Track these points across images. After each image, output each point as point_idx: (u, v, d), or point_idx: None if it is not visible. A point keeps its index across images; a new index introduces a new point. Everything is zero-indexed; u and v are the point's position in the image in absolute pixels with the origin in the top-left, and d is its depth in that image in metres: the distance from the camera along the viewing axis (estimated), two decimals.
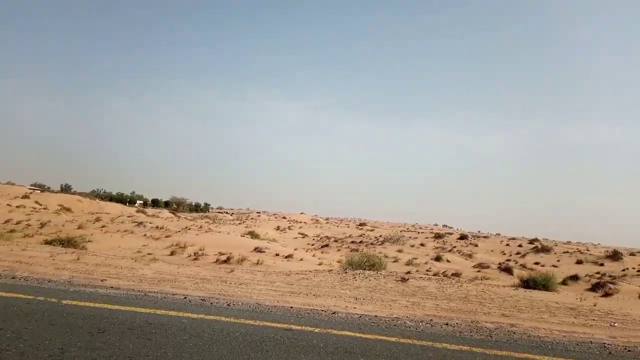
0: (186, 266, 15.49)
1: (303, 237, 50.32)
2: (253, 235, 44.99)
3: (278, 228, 60.72)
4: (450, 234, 68.55)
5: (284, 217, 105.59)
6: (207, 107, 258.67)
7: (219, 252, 26.10)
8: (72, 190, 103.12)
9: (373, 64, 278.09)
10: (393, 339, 5.49)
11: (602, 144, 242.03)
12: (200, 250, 27.86)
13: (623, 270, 47.88)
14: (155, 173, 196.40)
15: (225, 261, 23.18)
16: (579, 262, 50.99)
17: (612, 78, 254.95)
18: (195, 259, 23.40)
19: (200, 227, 45.98)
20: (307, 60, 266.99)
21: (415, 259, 37.87)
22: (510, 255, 53.81)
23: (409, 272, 19.14)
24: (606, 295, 15.18)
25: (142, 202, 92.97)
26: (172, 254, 23.97)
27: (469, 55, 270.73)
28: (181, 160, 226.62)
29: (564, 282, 33.41)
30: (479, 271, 34.93)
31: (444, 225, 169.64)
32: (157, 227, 34.05)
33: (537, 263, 47.50)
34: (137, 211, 70.62)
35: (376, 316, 7.03)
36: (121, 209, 59.83)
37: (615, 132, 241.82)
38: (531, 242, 61.70)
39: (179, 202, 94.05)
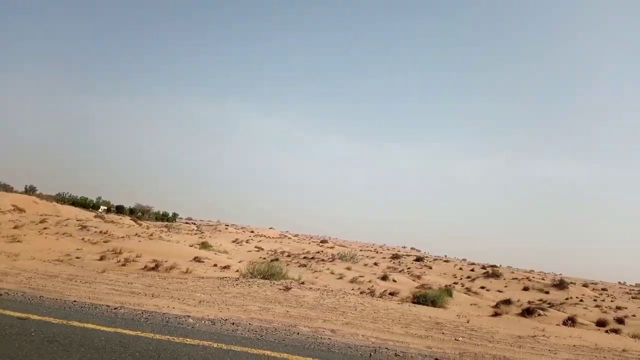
0: (102, 272, 15.71)
1: (258, 251, 50.44)
2: (204, 246, 44.95)
3: (236, 241, 60.67)
4: (409, 255, 69.64)
5: (252, 231, 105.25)
6: (188, 116, 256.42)
7: (154, 260, 26.13)
8: (37, 192, 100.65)
9: (344, 91, 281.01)
10: (179, 340, 5.97)
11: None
12: (137, 256, 27.86)
13: (566, 298, 49.58)
14: (147, 184, 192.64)
15: (153, 268, 23.23)
16: (526, 288, 52.58)
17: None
18: (123, 265, 23.39)
19: (152, 234, 45.69)
20: (297, 76, 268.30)
21: (362, 276, 38.43)
22: (461, 278, 55.04)
23: (326, 285, 19.71)
24: (496, 315, 15.98)
25: (105, 208, 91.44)
26: (101, 258, 23.91)
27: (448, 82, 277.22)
28: (164, 170, 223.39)
29: (496, 306, 34.59)
30: (418, 289, 35.71)
31: (412, 248, 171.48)
32: (100, 231, 33.81)
33: (482, 287, 48.83)
34: (96, 216, 69.36)
35: (201, 318, 7.55)
36: (76, 213, 58.78)
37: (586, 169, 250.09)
38: (484, 267, 63.22)
39: (144, 210, 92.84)
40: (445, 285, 39.77)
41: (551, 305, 41.81)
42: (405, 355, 6.89)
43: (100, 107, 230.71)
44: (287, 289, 11.83)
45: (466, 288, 46.33)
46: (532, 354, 9.58)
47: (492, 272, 58.23)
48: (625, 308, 46.83)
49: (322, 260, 44.33)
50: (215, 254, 37.65)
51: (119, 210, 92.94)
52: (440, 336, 9.80)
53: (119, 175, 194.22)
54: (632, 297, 67.92)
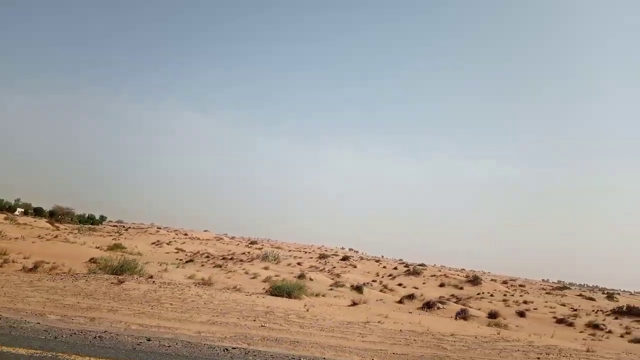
0: None
1: (177, 252, 49.35)
2: (116, 247, 43.40)
3: (156, 242, 58.93)
4: (337, 255, 70.85)
5: (185, 234, 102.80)
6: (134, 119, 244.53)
7: (38, 261, 25.00)
8: None
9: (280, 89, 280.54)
10: None
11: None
12: (25, 258, 26.87)
13: (477, 294, 52.41)
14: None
15: (32, 269, 22.24)
16: (442, 285, 55.07)
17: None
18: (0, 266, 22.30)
19: (56, 236, 43.51)
20: (228, 76, 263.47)
21: (277, 275, 38.55)
22: (382, 276, 56.75)
23: (233, 285, 19.73)
24: (354, 305, 16.73)
25: (22, 210, 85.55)
26: None
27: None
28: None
29: (400, 301, 36.09)
30: (331, 289, 36.36)
31: (351, 249, 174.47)
32: None
33: (400, 284, 50.62)
34: (6, 218, 65.17)
35: None
36: None
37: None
38: (407, 266, 65.62)
39: (64, 212, 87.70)
40: (359, 284, 40.86)
41: (458, 299, 44.19)
42: (174, 339, 7.08)
43: (29, 106, 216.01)
44: (120, 282, 11.74)
45: (383, 285, 47.85)
46: (335, 337, 10.09)
47: (413, 271, 60.53)
48: (532, 302, 50.33)
49: (241, 260, 44.12)
50: (122, 255, 36.51)
51: (37, 212, 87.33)
52: (250, 323, 10.07)
53: (51, 177, 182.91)
54: (546, 293, 73.39)
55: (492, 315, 30.22)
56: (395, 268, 62.98)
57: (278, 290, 14.34)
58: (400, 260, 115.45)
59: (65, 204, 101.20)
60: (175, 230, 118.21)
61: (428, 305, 33.32)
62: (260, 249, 68.56)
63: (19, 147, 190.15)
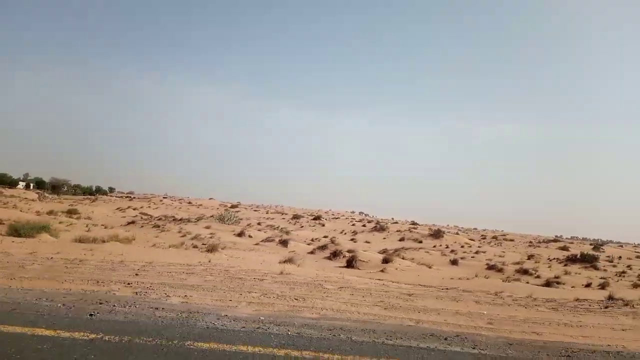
0: None
1: (135, 217, 51.79)
2: (72, 212, 45.79)
3: (122, 208, 61.75)
4: (311, 215, 72.14)
5: (189, 203, 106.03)
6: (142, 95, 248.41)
7: None
8: None
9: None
10: None
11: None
12: None
13: (433, 246, 52.83)
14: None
15: None
16: (402, 239, 55.78)
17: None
18: None
19: (6, 203, 46.22)
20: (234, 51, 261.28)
21: (212, 235, 39.72)
22: (346, 233, 57.86)
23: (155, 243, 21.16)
24: (210, 251, 18.16)
25: (24, 183, 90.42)
26: None
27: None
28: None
29: (312, 252, 37.12)
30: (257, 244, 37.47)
31: (361, 212, 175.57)
32: None
33: (367, 241, 51.42)
34: None
35: None
36: None
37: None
38: (377, 223, 66.33)
39: (60, 184, 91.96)
40: (287, 239, 41.93)
41: (397, 250, 44.70)
42: None
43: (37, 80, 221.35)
44: None
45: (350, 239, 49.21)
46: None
47: (380, 227, 61.25)
48: (484, 252, 50.57)
49: (189, 221, 45.84)
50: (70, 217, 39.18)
51: (40, 186, 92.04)
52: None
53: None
54: (529, 246, 72.85)
55: (385, 260, 30.53)
56: (364, 225, 63.89)
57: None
58: (412, 222, 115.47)
59: (78, 179, 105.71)
60: (180, 199, 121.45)
61: (334, 255, 33.93)
62: (238, 211, 70.50)
63: (39, 124, 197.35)
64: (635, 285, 27.87)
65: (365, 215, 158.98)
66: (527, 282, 25.90)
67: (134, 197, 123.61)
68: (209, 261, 14.44)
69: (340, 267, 27.15)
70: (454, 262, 38.05)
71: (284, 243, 37.59)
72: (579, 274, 36.68)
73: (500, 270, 31.46)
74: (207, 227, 43.32)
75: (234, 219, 52.24)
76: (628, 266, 45.33)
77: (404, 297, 10.29)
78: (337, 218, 78.60)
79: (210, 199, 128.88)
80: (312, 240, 46.31)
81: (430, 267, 27.56)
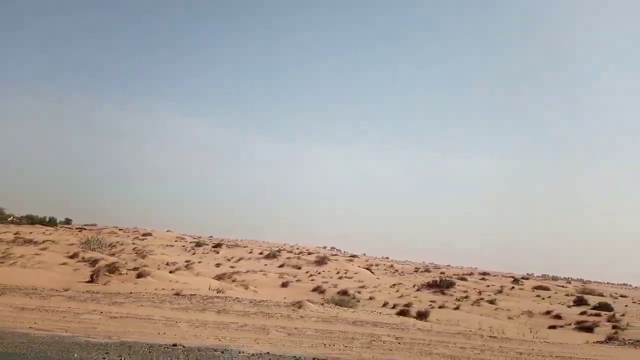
0: None
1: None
2: None
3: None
4: (213, 243, 75.45)
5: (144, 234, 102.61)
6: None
7: None
8: None
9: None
10: None
11: None
12: None
13: (317, 272, 57.24)
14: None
15: None
16: (281, 265, 60.23)
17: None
18: None
19: None
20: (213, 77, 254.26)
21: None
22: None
23: None
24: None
25: None
26: None
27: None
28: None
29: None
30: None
31: (332, 248, 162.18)
32: None
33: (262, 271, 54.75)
34: None
35: None
36: None
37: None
38: (270, 251, 70.79)
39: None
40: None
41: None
42: None
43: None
44: None
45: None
46: None
47: (272, 255, 65.67)
48: (350, 278, 55.41)
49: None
50: None
51: None
52: None
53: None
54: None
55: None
56: (261, 253, 68.38)
57: None
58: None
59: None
60: (134, 230, 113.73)
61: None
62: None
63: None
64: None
65: (337, 250, 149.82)
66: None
67: (82, 228, 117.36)
68: None
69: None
70: (284, 285, 41.55)
71: None
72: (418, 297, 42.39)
73: (322, 292, 36.41)
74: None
75: (98, 243, 50.78)
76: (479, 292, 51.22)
77: None
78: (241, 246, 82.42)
79: (167, 231, 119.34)
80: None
81: (246, 288, 30.84)
